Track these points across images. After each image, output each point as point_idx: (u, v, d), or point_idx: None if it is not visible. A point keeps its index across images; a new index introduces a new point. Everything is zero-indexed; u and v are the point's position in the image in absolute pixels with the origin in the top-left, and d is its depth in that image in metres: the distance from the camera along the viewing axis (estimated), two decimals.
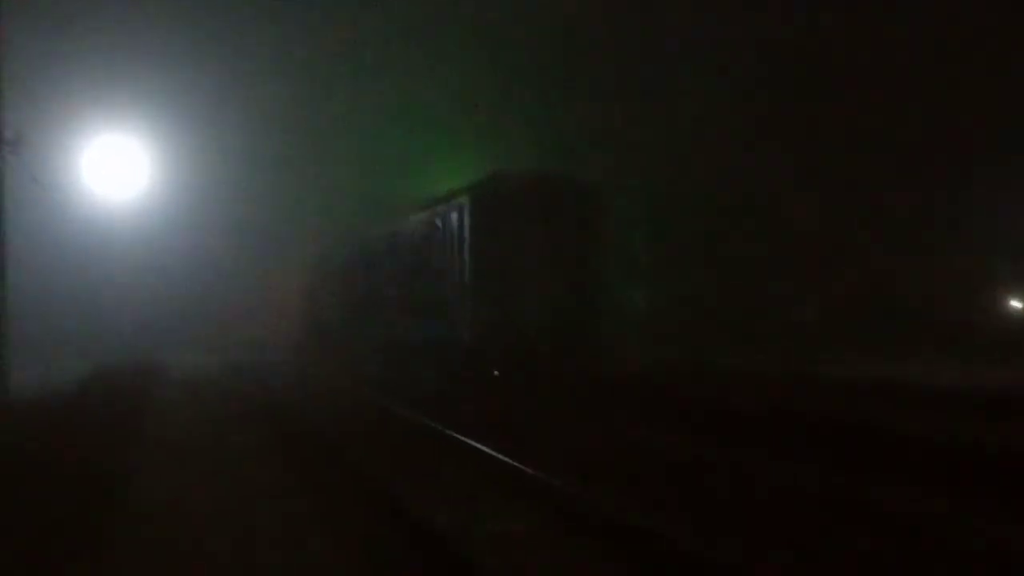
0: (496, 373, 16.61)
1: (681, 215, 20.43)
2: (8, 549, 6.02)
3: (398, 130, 27.11)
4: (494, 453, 9.38)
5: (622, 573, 5.84)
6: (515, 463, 8.71)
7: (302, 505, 7.75)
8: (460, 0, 24.48)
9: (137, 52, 25.79)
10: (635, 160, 20.88)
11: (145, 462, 9.78)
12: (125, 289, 31.34)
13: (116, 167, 28.03)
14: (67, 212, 25.11)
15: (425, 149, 26.25)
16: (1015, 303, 21.05)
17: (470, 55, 24.43)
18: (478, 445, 9.91)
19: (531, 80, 23.24)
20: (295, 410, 14.27)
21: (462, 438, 10.54)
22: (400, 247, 20.71)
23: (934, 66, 16.04)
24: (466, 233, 16.96)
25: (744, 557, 5.75)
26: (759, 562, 5.75)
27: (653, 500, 7.69)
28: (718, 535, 6.49)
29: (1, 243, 14.73)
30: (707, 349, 18.67)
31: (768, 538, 6.56)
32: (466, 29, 24.41)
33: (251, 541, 6.62)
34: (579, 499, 7.28)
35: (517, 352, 16.27)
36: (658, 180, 20.44)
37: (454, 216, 17.47)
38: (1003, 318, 20.39)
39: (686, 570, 5.53)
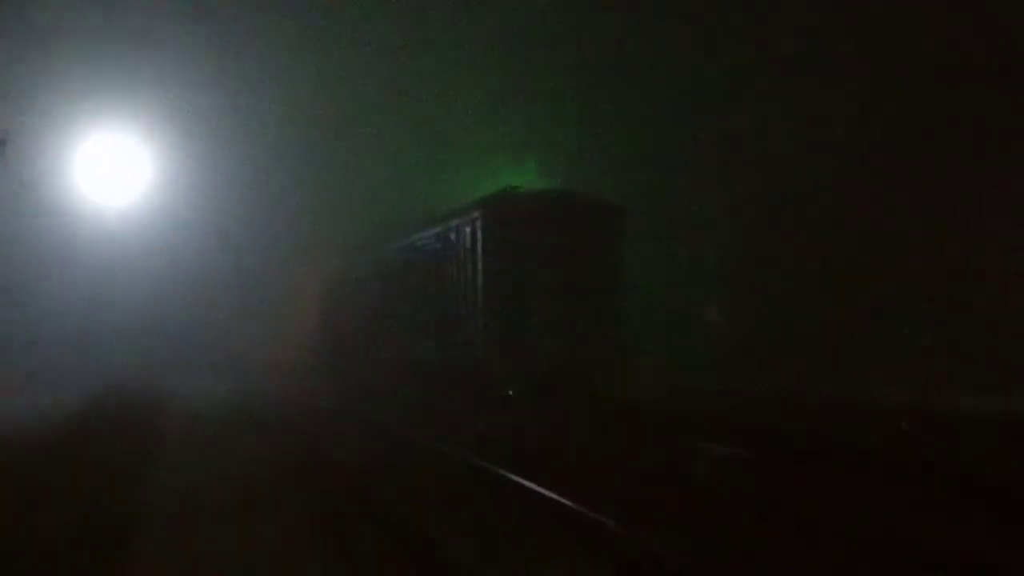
0: (511, 393, 15.88)
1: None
2: None
3: (427, 133, 25.94)
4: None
5: None
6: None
7: None
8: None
9: (135, 46, 24.70)
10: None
11: None
12: (124, 305, 29.95)
13: (113, 169, 27.17)
14: (57, 218, 24.08)
15: (457, 157, 24.94)
16: None
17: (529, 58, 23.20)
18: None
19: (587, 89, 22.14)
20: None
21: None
22: (414, 261, 19.96)
23: None
24: (479, 247, 16.31)
25: None
26: None
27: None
28: None
29: None
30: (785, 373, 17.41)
31: None
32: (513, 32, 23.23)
33: None
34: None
35: (532, 373, 15.62)
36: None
37: (467, 230, 16.77)
38: None
39: None
